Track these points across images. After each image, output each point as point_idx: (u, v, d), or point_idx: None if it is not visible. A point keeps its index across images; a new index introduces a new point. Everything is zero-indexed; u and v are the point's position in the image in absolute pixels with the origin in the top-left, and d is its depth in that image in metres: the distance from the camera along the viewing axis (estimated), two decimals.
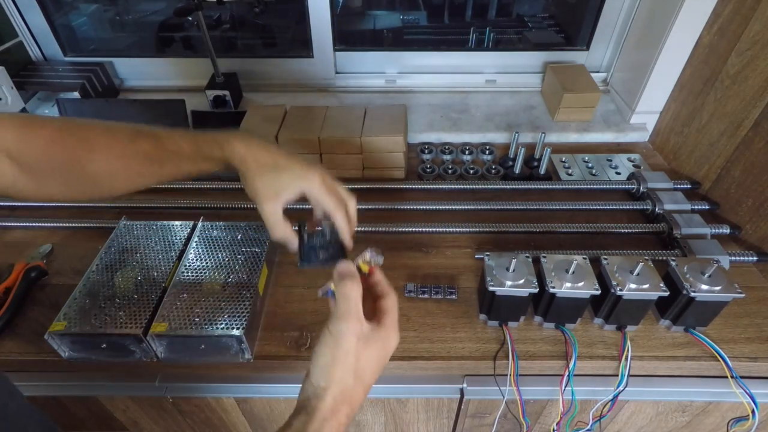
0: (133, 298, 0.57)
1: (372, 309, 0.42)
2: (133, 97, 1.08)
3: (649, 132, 0.95)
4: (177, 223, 0.68)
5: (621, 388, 0.56)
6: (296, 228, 0.48)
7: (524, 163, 0.87)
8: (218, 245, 0.64)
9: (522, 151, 0.83)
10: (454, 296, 0.64)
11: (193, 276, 0.60)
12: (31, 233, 0.74)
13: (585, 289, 0.55)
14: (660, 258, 0.66)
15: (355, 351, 0.37)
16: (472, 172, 0.85)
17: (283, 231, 0.46)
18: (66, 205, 0.78)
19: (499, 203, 0.77)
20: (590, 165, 0.88)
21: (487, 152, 0.91)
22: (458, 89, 1.09)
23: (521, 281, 0.55)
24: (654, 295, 0.55)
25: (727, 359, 0.56)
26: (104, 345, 0.55)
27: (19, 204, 0.79)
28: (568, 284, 0.55)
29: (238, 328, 0.53)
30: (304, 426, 0.36)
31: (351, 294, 0.39)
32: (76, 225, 0.74)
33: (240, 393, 0.64)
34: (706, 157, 0.79)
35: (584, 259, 0.58)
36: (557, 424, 0.65)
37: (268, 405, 0.67)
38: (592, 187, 0.82)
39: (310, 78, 1.10)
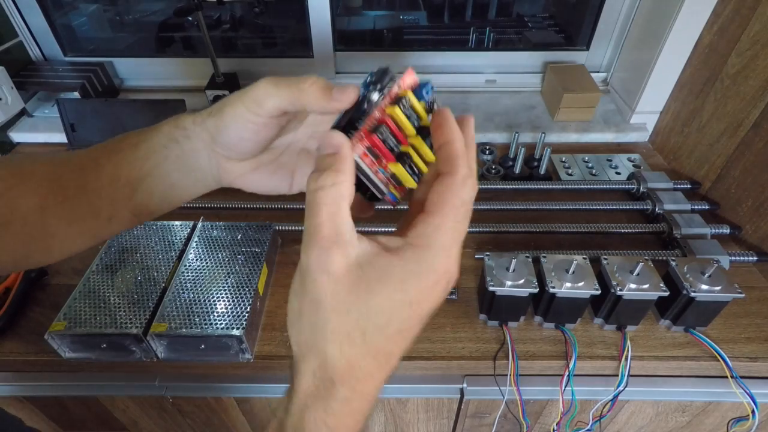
0: (133, 298, 0.57)
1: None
2: (133, 97, 1.08)
3: (649, 132, 0.95)
4: (177, 223, 0.68)
5: (621, 388, 0.56)
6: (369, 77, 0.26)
7: (524, 163, 0.87)
8: (218, 245, 0.64)
9: (522, 151, 0.83)
10: (454, 296, 0.64)
11: (193, 276, 0.60)
12: None
13: (585, 289, 0.55)
14: (660, 258, 0.66)
15: (331, 297, 0.22)
16: None
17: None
18: None
19: (499, 203, 0.77)
20: (590, 165, 0.88)
21: (487, 152, 0.91)
22: (458, 89, 1.09)
23: (521, 281, 0.55)
24: (654, 295, 0.55)
25: (727, 359, 0.56)
26: (104, 345, 0.55)
27: None
28: (568, 284, 0.55)
29: (238, 328, 0.53)
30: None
31: (324, 196, 0.22)
32: None
33: (240, 393, 0.64)
34: (706, 157, 0.79)
35: (584, 259, 0.58)
36: (557, 424, 0.65)
37: (268, 405, 0.67)
38: (592, 187, 0.82)
39: None
